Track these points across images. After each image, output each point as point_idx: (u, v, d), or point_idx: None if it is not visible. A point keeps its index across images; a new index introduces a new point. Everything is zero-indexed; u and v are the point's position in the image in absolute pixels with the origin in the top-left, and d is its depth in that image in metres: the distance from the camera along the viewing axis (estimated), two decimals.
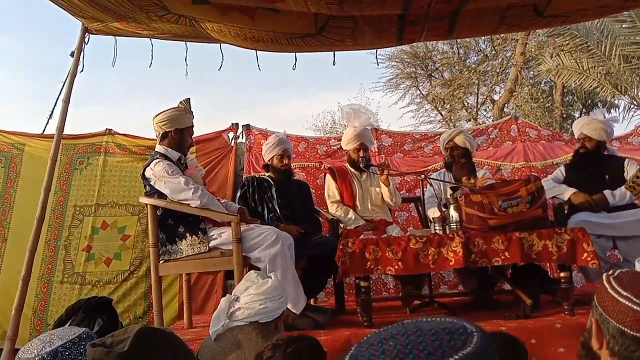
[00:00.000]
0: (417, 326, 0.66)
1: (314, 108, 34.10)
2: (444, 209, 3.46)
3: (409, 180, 5.06)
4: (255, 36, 3.40)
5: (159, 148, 3.22)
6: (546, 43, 11.48)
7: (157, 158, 3.11)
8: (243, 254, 2.98)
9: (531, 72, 12.39)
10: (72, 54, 3.70)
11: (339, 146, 4.94)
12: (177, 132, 3.20)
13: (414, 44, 11.72)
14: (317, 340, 1.74)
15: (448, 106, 13.78)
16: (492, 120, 10.94)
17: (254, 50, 3.79)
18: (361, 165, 3.89)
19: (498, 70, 12.75)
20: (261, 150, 4.01)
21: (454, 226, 3.12)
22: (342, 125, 13.55)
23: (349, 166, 4.03)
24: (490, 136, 5.44)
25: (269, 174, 3.78)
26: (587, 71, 9.13)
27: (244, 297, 2.05)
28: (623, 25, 8.99)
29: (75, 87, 3.69)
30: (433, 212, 3.51)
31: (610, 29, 8.90)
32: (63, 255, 4.54)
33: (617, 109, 11.01)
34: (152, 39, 3.77)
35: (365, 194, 3.95)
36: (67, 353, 1.21)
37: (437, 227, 3.20)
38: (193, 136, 3.39)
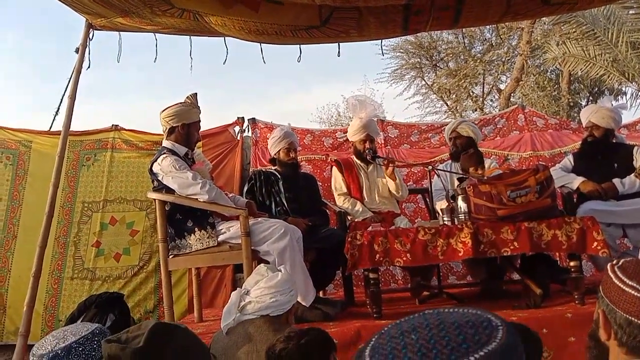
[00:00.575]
0: (439, 318, 0.64)
1: (318, 101, 34.04)
2: (451, 200, 3.45)
3: (416, 171, 5.04)
4: (259, 29, 3.39)
5: (166, 143, 3.23)
6: (552, 31, 11.36)
7: (164, 153, 3.12)
8: (252, 247, 2.99)
9: (537, 61, 12.27)
10: (76, 50, 3.71)
11: (345, 138, 4.93)
12: (184, 127, 3.20)
13: (418, 34, 11.69)
14: (327, 332, 1.75)
15: (454, 96, 13.69)
16: (499, 110, 10.86)
17: (258, 43, 3.79)
18: (368, 157, 3.88)
19: (504, 60, 12.64)
20: (267, 144, 4.01)
21: (463, 217, 3.11)
22: (347, 118, 13.50)
23: (355, 158, 4.02)
24: (497, 126, 5.41)
25: (275, 167, 3.78)
26: (594, 59, 9.04)
27: (254, 291, 2.05)
28: (630, 12, 8.88)
29: (83, 84, 3.70)
30: (441, 205, 3.51)
31: (617, 15, 8.80)
32: (73, 251, 4.57)
33: (624, 97, 10.94)
34: (156, 34, 3.77)
35: (372, 185, 3.94)
36: (80, 349, 1.22)
37: (445, 218, 3.19)
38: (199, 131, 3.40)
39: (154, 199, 3.19)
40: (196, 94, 3.28)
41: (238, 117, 5.15)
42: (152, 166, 3.15)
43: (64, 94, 3.87)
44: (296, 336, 1.61)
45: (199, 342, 1.14)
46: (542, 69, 12.42)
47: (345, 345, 2.55)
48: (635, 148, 3.84)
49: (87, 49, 3.70)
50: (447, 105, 13.92)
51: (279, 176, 3.68)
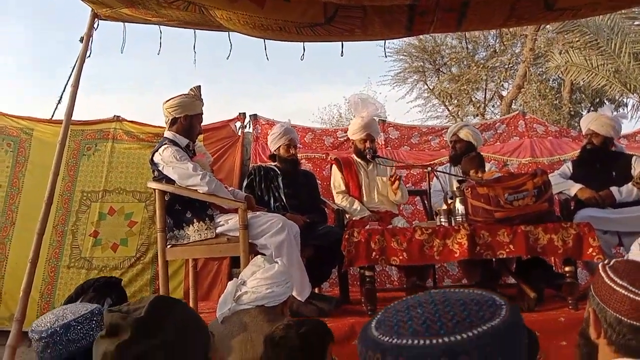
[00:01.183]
0: (445, 296, 0.66)
1: (320, 102, 34.08)
2: (449, 201, 3.47)
3: (415, 173, 5.06)
4: (263, 25, 3.39)
5: (167, 134, 3.24)
6: (555, 39, 11.40)
7: (165, 144, 3.13)
8: (249, 240, 3.00)
9: (540, 69, 12.31)
10: (81, 40, 3.71)
11: (345, 138, 4.94)
12: (187, 119, 3.22)
13: (422, 37, 11.71)
14: (325, 323, 1.77)
15: (455, 101, 13.72)
16: (500, 116, 10.89)
17: (262, 39, 3.79)
18: (368, 157, 3.90)
19: (507, 66, 12.68)
20: (267, 141, 4.02)
21: (460, 218, 3.12)
22: (348, 119, 13.52)
23: (355, 156, 4.03)
24: (498, 131, 5.43)
25: (275, 163, 3.79)
26: (596, 69, 9.07)
27: (250, 281, 2.07)
28: (634, 23, 8.92)
29: (87, 74, 3.71)
30: (439, 206, 3.52)
31: (621, 26, 8.83)
32: (70, 240, 4.58)
33: (625, 108, 10.96)
34: (161, 26, 3.78)
35: (372, 183, 3.95)
36: (79, 327, 1.23)
37: (442, 220, 3.21)
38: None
39: (154, 190, 3.20)
40: (200, 86, 3.29)
41: (240, 113, 5.16)
42: (153, 156, 3.16)
43: (67, 82, 3.88)
44: (296, 325, 1.63)
45: (198, 317, 1.16)
46: (544, 77, 12.45)
47: (339, 340, 2.55)
48: (634, 157, 3.85)
49: (91, 39, 3.71)
50: (448, 110, 13.95)
51: (279, 172, 3.69)
